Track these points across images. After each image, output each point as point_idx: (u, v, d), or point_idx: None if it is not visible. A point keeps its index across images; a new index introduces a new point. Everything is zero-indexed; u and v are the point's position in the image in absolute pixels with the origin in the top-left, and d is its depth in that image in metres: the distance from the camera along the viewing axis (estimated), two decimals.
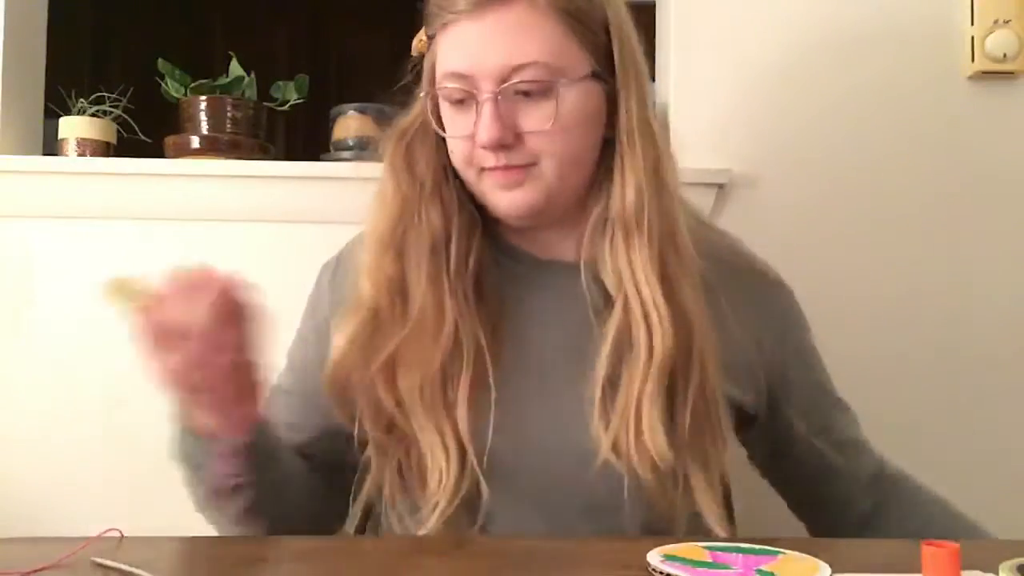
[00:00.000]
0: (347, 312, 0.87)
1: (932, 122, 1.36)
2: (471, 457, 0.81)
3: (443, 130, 0.86)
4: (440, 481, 0.81)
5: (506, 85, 0.81)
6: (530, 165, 0.83)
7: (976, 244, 1.36)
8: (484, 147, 0.82)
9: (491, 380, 0.83)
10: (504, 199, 0.85)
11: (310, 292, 0.98)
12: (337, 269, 0.96)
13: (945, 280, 1.36)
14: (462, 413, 0.82)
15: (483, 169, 0.84)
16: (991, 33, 1.33)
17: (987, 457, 1.32)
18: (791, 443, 0.96)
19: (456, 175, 0.88)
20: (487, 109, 0.81)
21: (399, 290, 0.86)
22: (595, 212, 0.88)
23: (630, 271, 0.84)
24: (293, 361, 0.96)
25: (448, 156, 0.88)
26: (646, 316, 0.83)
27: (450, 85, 0.83)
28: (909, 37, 1.36)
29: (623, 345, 0.84)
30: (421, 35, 0.89)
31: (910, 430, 1.33)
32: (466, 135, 0.83)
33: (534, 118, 0.82)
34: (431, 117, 0.87)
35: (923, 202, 1.36)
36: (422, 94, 0.89)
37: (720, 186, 1.32)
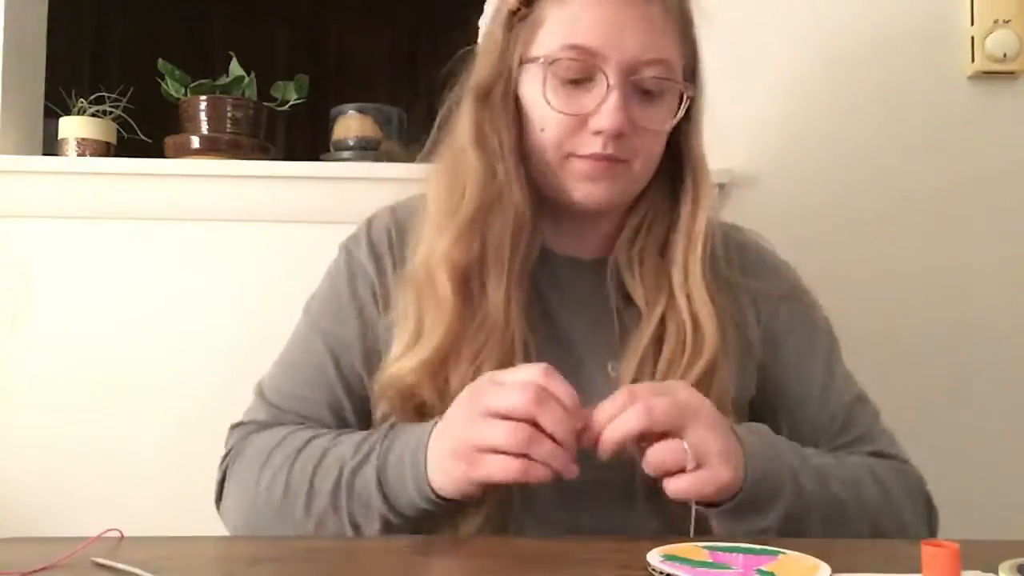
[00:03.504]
0: (428, 307, 0.80)
1: (932, 122, 1.36)
2: None
3: (548, 102, 0.80)
4: None
5: (637, 77, 0.79)
6: (624, 161, 0.81)
7: (976, 243, 1.36)
8: (603, 133, 0.79)
9: None
10: (584, 189, 0.82)
11: (334, 270, 0.92)
12: (381, 240, 0.89)
13: (945, 280, 1.36)
14: None
15: (571, 155, 0.81)
16: (991, 33, 1.33)
17: (987, 455, 1.32)
18: None
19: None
20: (616, 95, 0.78)
21: (473, 281, 0.80)
22: (636, 216, 0.88)
23: (685, 284, 0.84)
24: (317, 339, 0.89)
25: (520, 131, 0.83)
26: (696, 327, 0.82)
27: (574, 58, 0.79)
28: (909, 37, 1.36)
29: (649, 348, 0.83)
30: None
31: (909, 428, 1.33)
32: (578, 114, 0.79)
33: (652, 117, 0.81)
34: (543, 87, 0.80)
35: (923, 202, 1.36)
36: (500, 52, 0.82)
37: (720, 186, 1.32)
